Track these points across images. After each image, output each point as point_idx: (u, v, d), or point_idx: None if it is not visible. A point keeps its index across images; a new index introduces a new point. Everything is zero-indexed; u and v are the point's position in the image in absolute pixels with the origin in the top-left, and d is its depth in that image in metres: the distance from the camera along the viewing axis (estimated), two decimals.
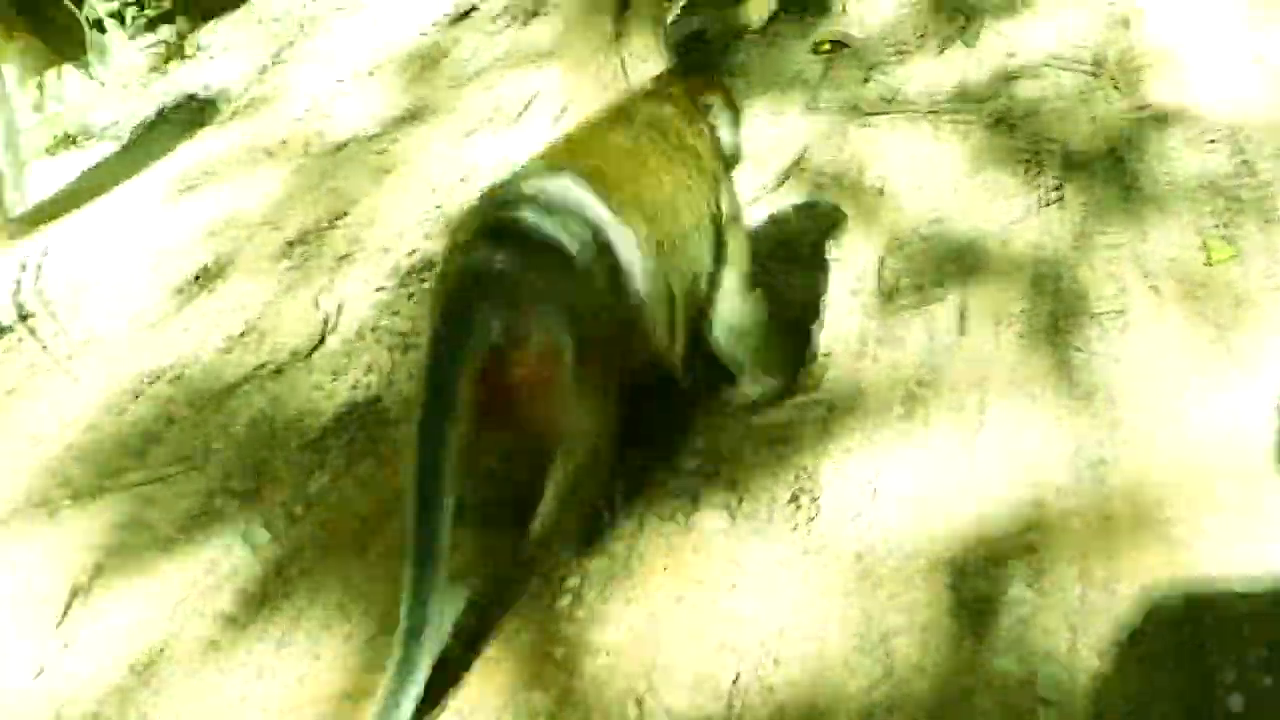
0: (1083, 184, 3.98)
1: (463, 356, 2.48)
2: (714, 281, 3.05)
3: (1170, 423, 3.07)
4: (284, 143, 4.83)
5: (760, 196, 4.08)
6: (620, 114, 3.06)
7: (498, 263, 2.56)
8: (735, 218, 3.09)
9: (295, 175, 4.61)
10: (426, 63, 5.26)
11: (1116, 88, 4.45)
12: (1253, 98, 4.25)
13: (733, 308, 3.10)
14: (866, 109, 4.50)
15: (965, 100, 4.45)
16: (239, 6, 5.84)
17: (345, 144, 4.76)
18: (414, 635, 2.42)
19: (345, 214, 4.37)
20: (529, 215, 2.63)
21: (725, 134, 3.16)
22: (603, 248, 2.67)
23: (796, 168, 4.23)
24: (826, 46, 4.94)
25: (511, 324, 2.52)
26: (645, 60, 4.46)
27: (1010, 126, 4.29)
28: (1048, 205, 3.92)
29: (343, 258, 4.14)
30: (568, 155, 2.87)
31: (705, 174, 3.00)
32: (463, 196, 4.33)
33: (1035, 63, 4.65)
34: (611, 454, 2.81)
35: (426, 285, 3.93)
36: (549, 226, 2.62)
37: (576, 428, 2.69)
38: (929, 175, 4.09)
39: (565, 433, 2.68)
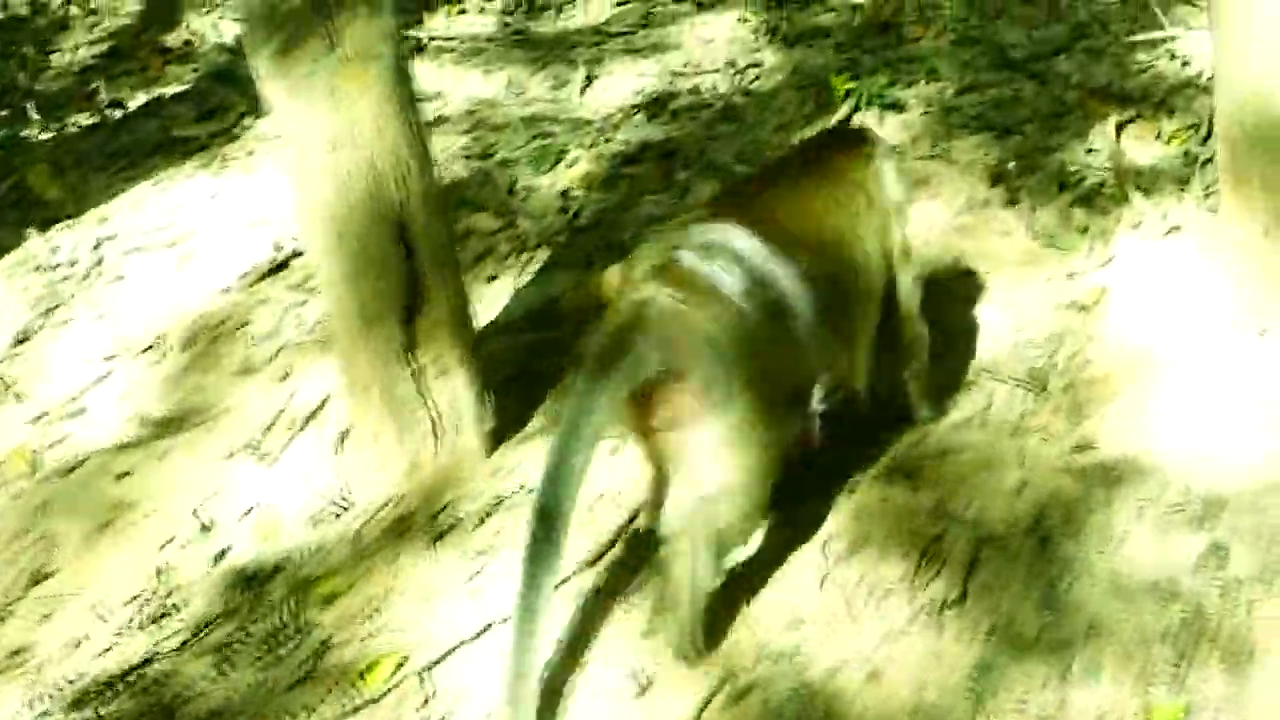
0: (993, 579, 3.25)
1: (615, 383, 2.86)
2: (890, 311, 3.48)
3: None
4: (10, 456, 4.13)
5: (572, 575, 3.35)
6: (783, 163, 3.63)
7: (662, 300, 2.93)
8: (906, 252, 3.51)
9: (7, 512, 3.91)
10: (216, 335, 4.58)
11: (1059, 413, 3.70)
12: (1234, 442, 3.51)
13: (908, 331, 3.58)
14: None
15: (863, 430, 3.70)
16: (16, 248, 5.19)
17: (84, 461, 4.08)
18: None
19: (47, 577, 3.67)
20: (693, 258, 3.01)
21: (889, 180, 3.48)
22: (765, 286, 3.03)
23: (627, 532, 3.50)
24: None
25: (670, 358, 2.89)
26: (447, 372, 3.77)
27: (911, 479, 3.55)
28: (941, 612, 3.16)
29: (14, 655, 3.42)
30: (732, 205, 3.29)
31: (873, 212, 3.40)
32: (195, 561, 3.63)
33: (961, 369, 3.91)
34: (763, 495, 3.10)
35: (107, 712, 3.20)
36: (710, 269, 2.99)
37: (726, 468, 2.98)
38: (790, 561, 3.35)
39: (713, 471, 2.97)
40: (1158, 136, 5.00)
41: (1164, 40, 5.62)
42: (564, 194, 5.19)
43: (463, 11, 7.13)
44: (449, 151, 5.49)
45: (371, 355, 3.73)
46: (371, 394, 3.77)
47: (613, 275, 4.52)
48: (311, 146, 3.55)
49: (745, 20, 6.48)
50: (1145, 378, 3.78)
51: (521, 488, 3.66)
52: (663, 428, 2.98)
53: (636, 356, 2.88)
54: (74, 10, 7.43)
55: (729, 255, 3.04)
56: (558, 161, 5.41)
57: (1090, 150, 4.98)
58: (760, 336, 3.00)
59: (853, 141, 3.62)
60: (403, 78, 3.58)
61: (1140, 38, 5.70)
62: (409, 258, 3.67)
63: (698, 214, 3.24)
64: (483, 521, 3.59)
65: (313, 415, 4.12)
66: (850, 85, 5.51)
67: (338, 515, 3.72)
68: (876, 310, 3.45)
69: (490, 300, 4.52)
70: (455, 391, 3.80)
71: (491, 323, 4.39)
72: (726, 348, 2.93)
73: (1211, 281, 4.04)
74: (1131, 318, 4.02)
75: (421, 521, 3.64)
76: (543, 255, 4.83)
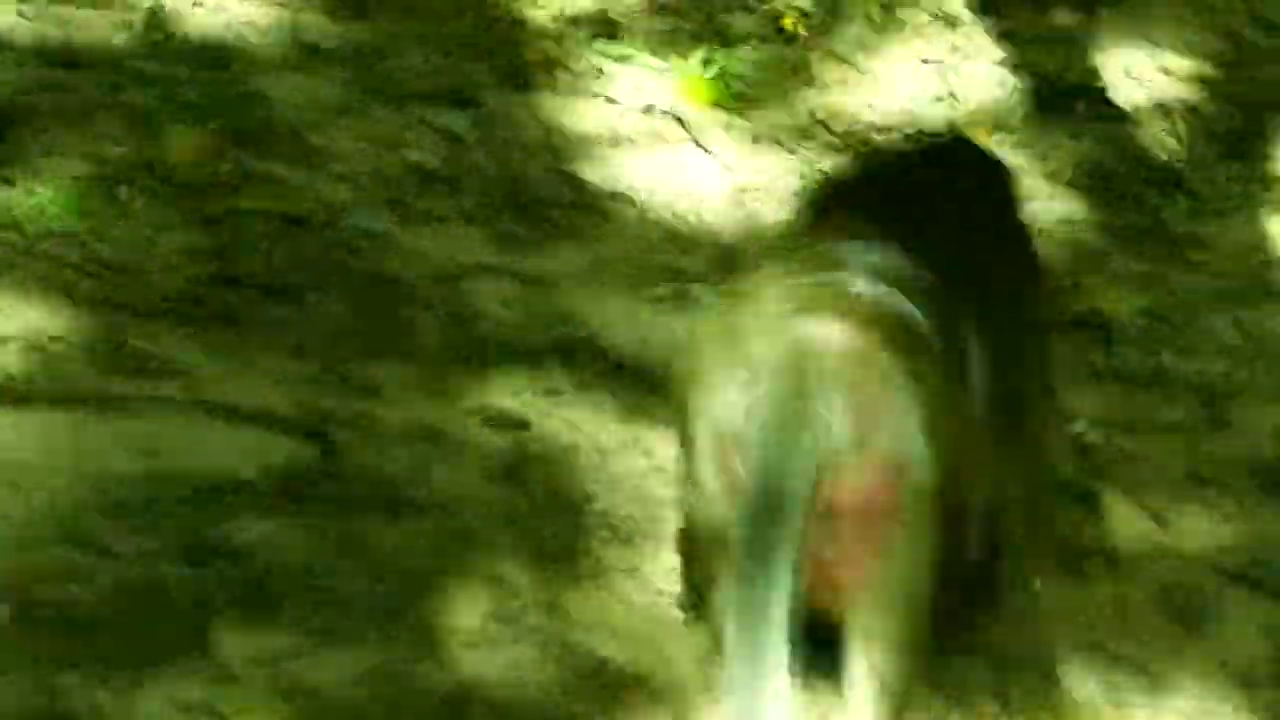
0: None
1: (802, 464, 2.01)
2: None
3: None
4: None
5: None
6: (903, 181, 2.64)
7: (838, 340, 2.09)
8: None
9: None
10: None
11: None
12: None
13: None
14: None
15: None
16: None
17: None
18: None
19: None
20: (865, 283, 2.18)
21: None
22: (949, 328, 2.22)
23: None
24: None
25: (859, 424, 2.04)
26: None
27: None
28: None
29: None
30: (873, 221, 2.40)
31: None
32: None
33: None
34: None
35: None
36: (893, 298, 2.16)
37: (886, 589, 2.13)
38: None
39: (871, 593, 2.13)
40: None
41: None
42: None
43: None
44: None
45: None
46: None
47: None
48: None
49: None
50: None
51: None
52: (848, 519, 2.12)
53: (818, 423, 2.04)
54: None
55: (905, 284, 2.22)
56: None
57: None
58: (957, 391, 2.23)
59: (980, 157, 2.80)
60: None
61: None
62: None
63: (836, 229, 2.41)
64: None
65: None
66: None
67: None
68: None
69: None
70: None
71: None
72: (926, 409, 2.13)
73: None
74: None
75: None
76: None
